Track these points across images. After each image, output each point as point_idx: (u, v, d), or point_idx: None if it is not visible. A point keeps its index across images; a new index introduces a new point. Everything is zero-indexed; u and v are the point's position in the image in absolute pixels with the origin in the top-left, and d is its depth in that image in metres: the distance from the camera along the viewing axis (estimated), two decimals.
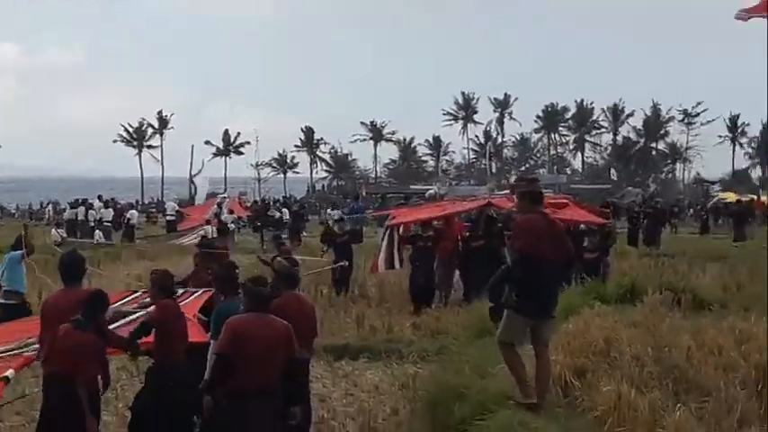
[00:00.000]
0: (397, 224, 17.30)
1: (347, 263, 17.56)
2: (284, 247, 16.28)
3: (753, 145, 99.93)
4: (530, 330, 7.55)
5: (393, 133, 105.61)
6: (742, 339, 8.92)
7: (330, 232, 19.08)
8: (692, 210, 46.51)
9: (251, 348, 6.48)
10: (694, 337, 8.93)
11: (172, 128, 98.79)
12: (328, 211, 34.85)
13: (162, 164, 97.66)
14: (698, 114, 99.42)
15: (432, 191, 55.15)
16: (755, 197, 43.47)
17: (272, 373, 6.56)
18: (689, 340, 8.72)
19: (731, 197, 45.95)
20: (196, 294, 9.07)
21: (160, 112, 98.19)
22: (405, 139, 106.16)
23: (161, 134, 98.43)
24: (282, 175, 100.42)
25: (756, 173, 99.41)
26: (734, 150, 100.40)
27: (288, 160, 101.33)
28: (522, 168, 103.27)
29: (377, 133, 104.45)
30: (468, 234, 16.63)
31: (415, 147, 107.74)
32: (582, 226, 16.73)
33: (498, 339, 7.65)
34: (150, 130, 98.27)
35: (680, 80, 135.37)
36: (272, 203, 40.58)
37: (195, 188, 56.83)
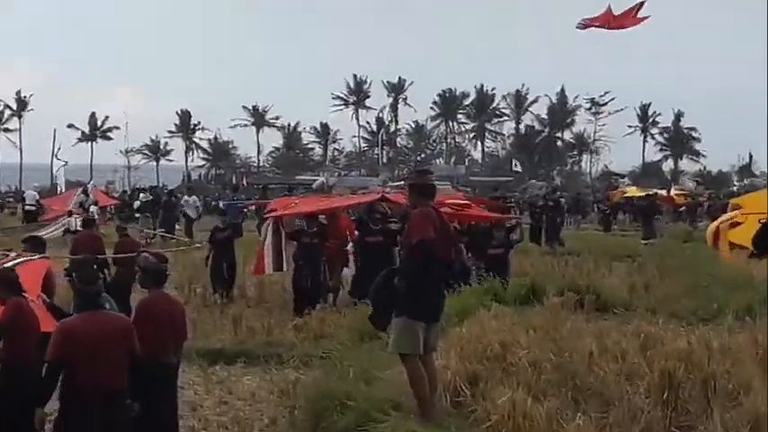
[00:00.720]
0: (278, 217, 17.00)
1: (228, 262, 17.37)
2: (128, 238, 16.06)
3: (665, 136, 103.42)
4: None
5: (277, 119, 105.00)
6: (647, 344, 9.22)
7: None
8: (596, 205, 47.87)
9: (85, 348, 6.50)
10: (597, 342, 9.18)
11: (32, 110, 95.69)
12: (184, 197, 33.54)
13: (20, 149, 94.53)
14: (606, 103, 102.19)
15: (319, 181, 55.02)
16: (658, 191, 45.04)
17: (115, 373, 6.59)
18: (591, 345, 8.95)
19: (633, 192, 47.52)
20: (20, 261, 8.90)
21: (18, 93, 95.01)
22: (289, 126, 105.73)
23: (19, 117, 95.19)
24: (155, 163, 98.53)
25: (668, 165, 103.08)
26: (644, 141, 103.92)
27: (161, 147, 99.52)
28: (418, 158, 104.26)
29: (259, 118, 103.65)
30: (359, 230, 16.63)
31: (300, 133, 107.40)
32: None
33: (398, 352, 7.58)
34: (7, 112, 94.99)
35: (587, 66, 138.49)
36: (140, 193, 39.74)
37: (57, 176, 55.00)
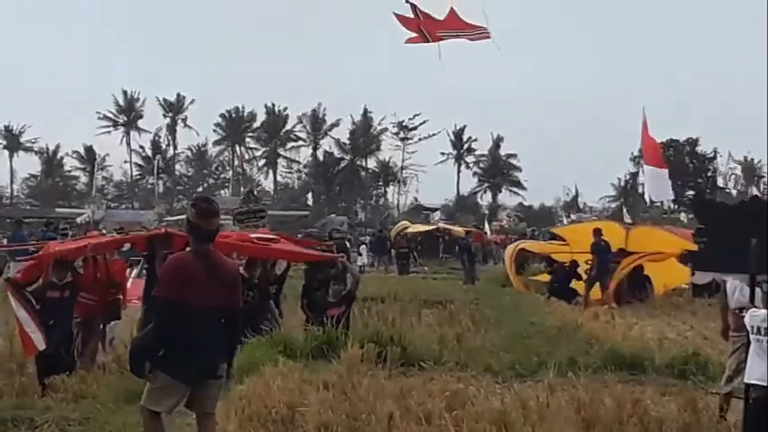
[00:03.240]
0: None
1: None
2: None
3: (481, 165, 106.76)
4: (189, 394, 7.71)
5: (34, 141, 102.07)
6: (455, 404, 9.57)
7: None
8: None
9: None
10: (398, 402, 9.44)
11: None
12: None
13: None
14: (416, 127, 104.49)
15: (84, 215, 53.76)
16: (472, 229, 46.95)
17: None
18: (392, 405, 9.18)
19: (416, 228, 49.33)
20: None
21: None
22: (48, 149, 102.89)
23: None
24: None
25: (486, 198, 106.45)
26: (459, 171, 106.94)
27: None
28: (199, 188, 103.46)
29: (13, 141, 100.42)
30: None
31: (62, 158, 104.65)
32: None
33: (142, 405, 7.76)
34: None
35: (393, 85, 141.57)
36: None
37: None
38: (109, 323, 15.73)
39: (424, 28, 27.78)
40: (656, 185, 35.59)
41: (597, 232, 25.27)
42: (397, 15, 27.01)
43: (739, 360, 10.02)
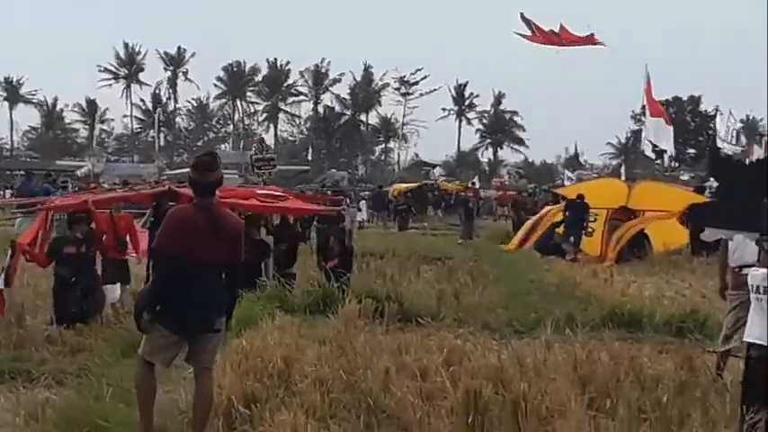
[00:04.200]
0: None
1: None
2: None
3: (483, 121, 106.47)
4: (188, 349, 7.76)
5: (34, 93, 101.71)
6: (452, 360, 9.60)
7: None
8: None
9: None
10: (395, 358, 9.48)
11: None
12: None
13: None
14: (417, 83, 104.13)
15: (85, 168, 53.74)
16: (468, 184, 47.05)
17: None
18: (388, 361, 9.21)
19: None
20: None
21: None
22: (48, 102, 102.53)
23: None
24: None
25: (487, 155, 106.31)
26: (460, 127, 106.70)
27: None
28: (200, 143, 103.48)
29: (12, 92, 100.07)
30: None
31: (62, 112, 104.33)
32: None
33: (138, 353, 7.87)
34: None
35: (395, 40, 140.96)
36: None
37: None
38: (115, 283, 15.47)
39: (541, 41, 30.64)
40: (660, 135, 35.74)
41: (579, 196, 25.68)
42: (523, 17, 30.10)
43: (737, 318, 10.06)
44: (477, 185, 54.44)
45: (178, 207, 8.11)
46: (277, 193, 17.81)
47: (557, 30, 33.59)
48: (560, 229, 26.16)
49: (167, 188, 15.84)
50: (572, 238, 25.34)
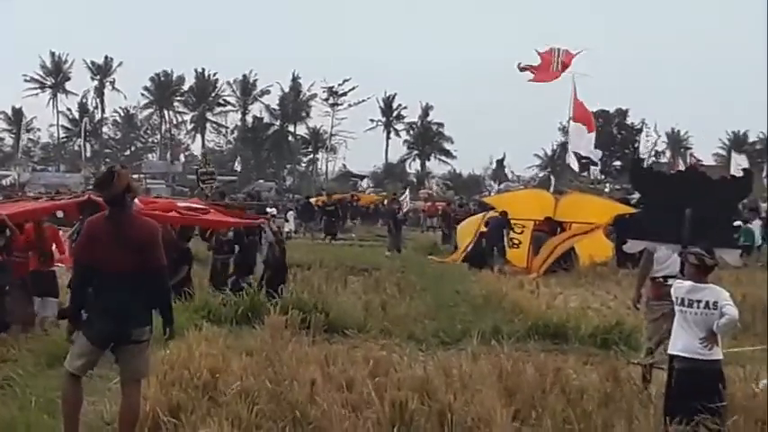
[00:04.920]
0: None
1: None
2: None
3: (411, 132, 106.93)
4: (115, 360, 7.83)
5: None
6: (378, 371, 9.64)
7: None
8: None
9: None
10: (322, 369, 9.50)
11: None
12: None
13: None
14: (346, 93, 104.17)
15: (10, 177, 52.83)
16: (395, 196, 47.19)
17: None
18: (315, 372, 9.22)
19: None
20: None
21: None
22: None
23: None
24: None
25: (415, 166, 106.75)
26: (388, 138, 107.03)
27: None
28: (127, 152, 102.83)
29: None
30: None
31: None
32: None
33: (65, 365, 7.87)
34: None
35: (323, 50, 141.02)
36: None
37: None
38: (40, 297, 15.19)
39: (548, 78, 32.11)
40: (580, 142, 36.30)
41: (503, 213, 26.22)
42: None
43: (660, 330, 10.18)
44: (407, 197, 54.59)
45: (90, 218, 8.13)
46: (198, 206, 17.83)
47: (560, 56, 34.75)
48: None
49: (87, 198, 15.57)
50: (495, 250, 25.66)
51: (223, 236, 18.80)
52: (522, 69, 35.05)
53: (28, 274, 14.58)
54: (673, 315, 8.78)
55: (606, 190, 64.52)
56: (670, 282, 10.08)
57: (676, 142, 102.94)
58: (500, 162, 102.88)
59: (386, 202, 54.50)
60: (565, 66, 34.48)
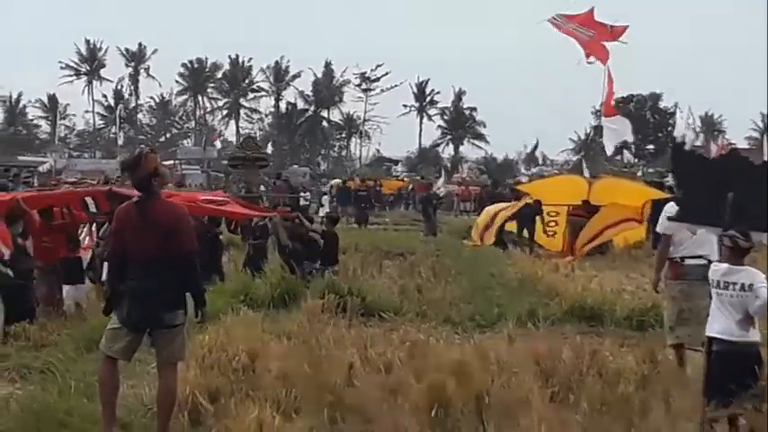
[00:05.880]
0: None
1: None
2: None
3: (445, 117, 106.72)
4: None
5: None
6: (415, 354, 9.63)
7: None
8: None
9: None
10: (359, 352, 9.49)
11: None
12: None
13: None
14: (378, 78, 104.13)
15: (47, 164, 53.11)
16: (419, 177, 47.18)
17: None
18: (352, 355, 9.22)
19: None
20: None
21: None
22: (11, 98, 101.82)
23: None
24: None
25: (448, 151, 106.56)
26: (421, 123, 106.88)
27: None
28: (162, 139, 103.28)
29: None
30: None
31: (24, 107, 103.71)
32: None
33: (100, 348, 7.97)
34: None
35: (357, 35, 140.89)
36: None
37: None
38: (72, 284, 15.28)
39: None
40: (616, 133, 36.07)
41: (537, 201, 26.17)
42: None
43: (680, 309, 10.33)
44: (443, 181, 54.42)
45: (120, 206, 8.13)
46: (218, 198, 18.04)
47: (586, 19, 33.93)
48: (512, 225, 26.47)
49: (109, 189, 15.47)
50: (525, 232, 25.72)
51: (257, 222, 18.95)
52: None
53: (58, 261, 14.71)
54: (689, 294, 8.84)
55: (639, 174, 64.12)
56: (687, 262, 10.18)
57: (710, 125, 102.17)
58: (534, 147, 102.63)
59: (412, 187, 54.64)
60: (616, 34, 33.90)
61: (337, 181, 51.41)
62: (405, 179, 65.10)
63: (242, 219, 18.70)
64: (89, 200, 15.50)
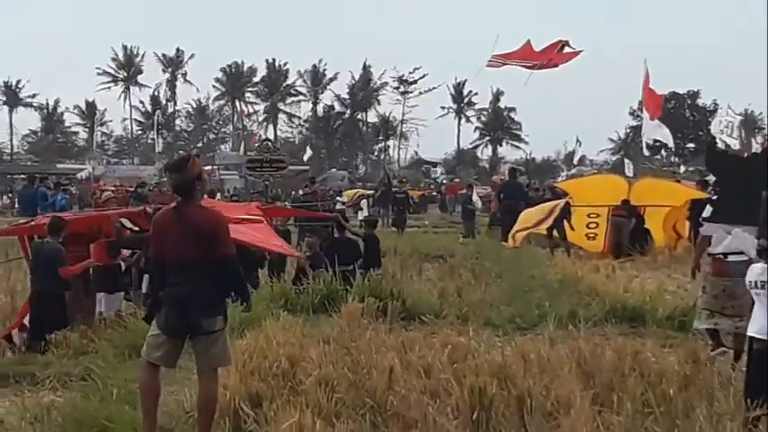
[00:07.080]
0: None
1: None
2: None
3: (482, 119, 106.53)
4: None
5: (33, 96, 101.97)
6: (456, 357, 9.60)
7: None
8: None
9: None
10: (399, 356, 9.46)
11: None
12: None
13: None
14: (416, 81, 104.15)
15: (85, 171, 53.51)
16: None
17: None
18: (393, 359, 9.19)
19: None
20: None
21: None
22: (48, 105, 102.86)
23: None
24: None
25: (487, 152, 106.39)
26: (459, 125, 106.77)
27: None
28: (200, 144, 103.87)
29: (12, 96, 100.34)
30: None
31: (62, 114, 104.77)
32: None
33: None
34: None
35: (394, 37, 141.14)
36: None
37: None
38: (110, 292, 15.33)
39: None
40: (648, 128, 35.82)
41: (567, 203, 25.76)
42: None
43: (722, 306, 10.47)
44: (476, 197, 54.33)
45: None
46: (250, 216, 16.93)
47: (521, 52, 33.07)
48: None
49: (142, 209, 15.21)
50: (555, 231, 25.60)
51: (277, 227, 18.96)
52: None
53: (93, 270, 14.83)
54: (732, 293, 9.12)
55: (681, 170, 63.61)
56: (730, 258, 10.12)
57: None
58: (576, 147, 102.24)
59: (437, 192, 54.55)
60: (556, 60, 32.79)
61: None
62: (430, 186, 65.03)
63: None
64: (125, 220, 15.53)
